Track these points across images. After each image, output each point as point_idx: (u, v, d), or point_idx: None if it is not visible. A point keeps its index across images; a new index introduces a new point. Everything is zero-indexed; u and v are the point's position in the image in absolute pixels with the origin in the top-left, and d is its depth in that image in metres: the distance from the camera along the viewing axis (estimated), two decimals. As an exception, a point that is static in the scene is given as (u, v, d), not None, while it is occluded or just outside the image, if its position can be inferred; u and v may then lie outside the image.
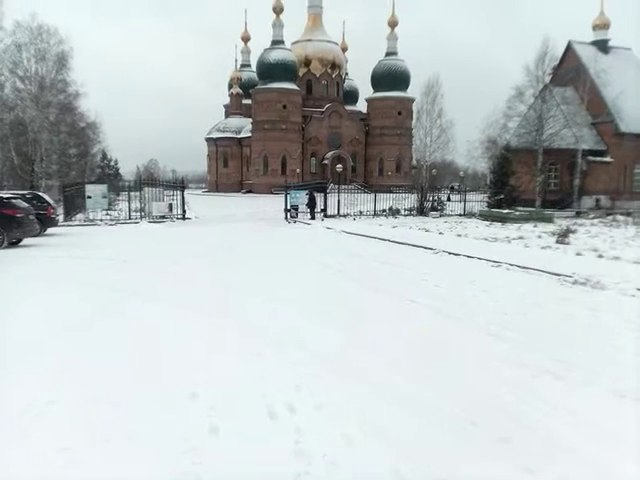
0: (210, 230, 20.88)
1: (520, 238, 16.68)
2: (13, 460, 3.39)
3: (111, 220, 24.31)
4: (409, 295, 8.19)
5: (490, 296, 8.26)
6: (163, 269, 11.08)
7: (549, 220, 24.20)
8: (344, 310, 7.43)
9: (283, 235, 19.48)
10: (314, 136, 69.93)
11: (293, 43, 73.04)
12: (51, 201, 19.51)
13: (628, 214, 27.41)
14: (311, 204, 26.27)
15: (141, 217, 25.15)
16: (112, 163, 60.20)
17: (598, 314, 7.12)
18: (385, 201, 29.54)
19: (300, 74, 70.69)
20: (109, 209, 25.99)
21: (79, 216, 24.93)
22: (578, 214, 30.58)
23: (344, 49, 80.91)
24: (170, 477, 3.20)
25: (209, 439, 3.62)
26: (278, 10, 69.32)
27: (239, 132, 76.12)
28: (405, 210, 29.79)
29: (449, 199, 34.07)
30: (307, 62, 72.47)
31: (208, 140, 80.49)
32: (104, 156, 56.81)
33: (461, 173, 62.36)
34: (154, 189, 26.17)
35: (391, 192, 31.96)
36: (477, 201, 31.69)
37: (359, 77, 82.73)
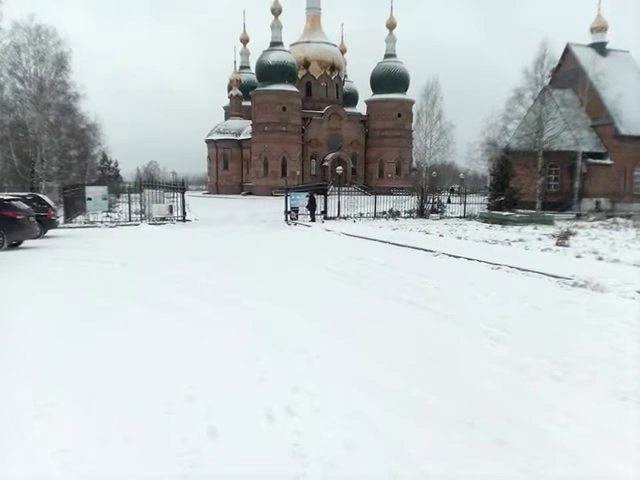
0: (210, 232, 20.87)
1: (520, 240, 16.69)
2: (10, 462, 3.40)
3: (111, 222, 24.29)
4: (408, 297, 8.19)
5: (490, 298, 8.26)
6: (163, 271, 11.07)
7: (549, 222, 24.20)
8: (343, 313, 7.43)
9: (283, 237, 19.48)
10: (314, 138, 69.94)
11: (292, 45, 73.01)
12: (51, 203, 19.50)
13: (628, 216, 27.38)
14: (311, 206, 26.26)
15: (141, 219, 25.14)
16: (112, 165, 60.12)
17: (598, 317, 7.12)
18: (385, 203, 29.56)
19: (299, 76, 70.69)
20: (109, 211, 25.97)
21: (79, 218, 24.91)
22: (578, 216, 30.56)
23: (343, 51, 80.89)
24: (168, 479, 3.21)
25: (207, 441, 3.62)
26: (276, 11, 69.28)
27: (239, 134, 76.11)
28: (405, 212, 29.78)
29: (449, 201, 34.06)
30: (306, 64, 72.45)
31: (208, 142, 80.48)
32: (104, 158, 56.81)
33: (461, 175, 62.42)
34: (154, 191, 26.13)
35: (391, 194, 31.98)
36: (477, 203, 31.68)
37: (358, 79, 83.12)
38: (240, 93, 78.48)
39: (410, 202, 30.69)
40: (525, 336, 6.16)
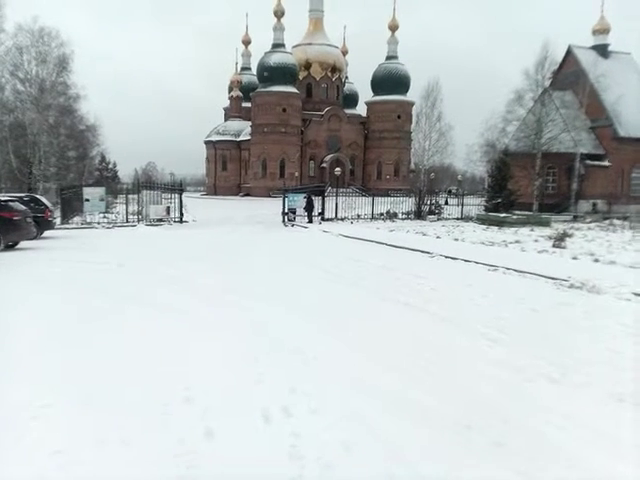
0: (207, 233, 20.87)
1: (517, 242, 16.72)
2: (8, 463, 3.39)
3: (108, 223, 24.24)
4: (405, 299, 8.20)
5: (487, 300, 8.27)
6: (160, 272, 11.06)
7: (546, 224, 24.26)
8: (340, 314, 7.44)
9: (280, 238, 19.49)
10: (313, 139, 69.95)
11: (294, 46, 73.09)
12: (48, 204, 19.45)
13: (625, 218, 27.44)
14: (309, 207, 26.26)
15: (138, 220, 25.10)
16: (110, 166, 60.12)
17: (594, 318, 7.14)
18: (383, 205, 29.58)
19: (300, 77, 70.76)
20: (107, 212, 25.93)
21: (76, 219, 24.82)
22: (575, 218, 30.62)
23: (344, 53, 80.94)
24: (164, 481, 3.21)
25: (204, 442, 3.62)
26: (279, 14, 69.43)
27: (238, 135, 76.07)
28: (403, 214, 29.81)
29: (447, 203, 34.11)
30: (307, 65, 72.52)
31: (207, 143, 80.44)
32: (103, 159, 56.77)
33: (459, 177, 62.43)
34: (152, 192, 26.10)
35: (389, 196, 32.02)
36: (475, 205, 31.74)
37: (359, 80, 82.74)
38: (240, 94, 78.49)
39: (408, 204, 30.73)
40: (522, 338, 6.17)
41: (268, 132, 65.62)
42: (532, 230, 21.82)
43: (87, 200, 24.58)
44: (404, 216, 29.64)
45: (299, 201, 26.87)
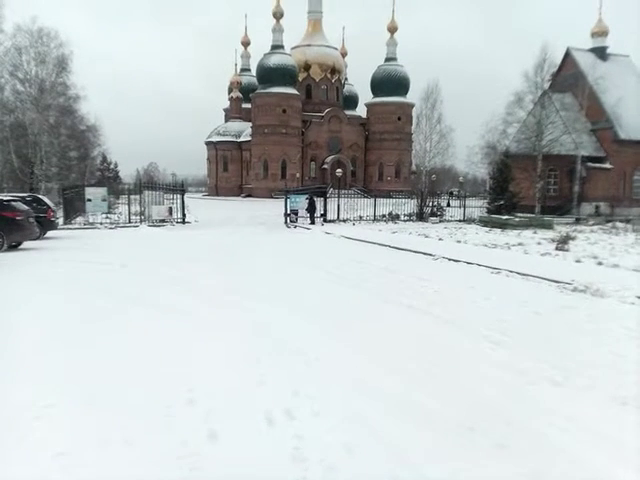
0: (210, 234, 20.88)
1: (520, 244, 16.70)
2: (11, 464, 3.39)
3: (111, 223, 24.28)
4: (408, 301, 8.19)
5: (489, 303, 8.26)
6: (163, 273, 11.08)
7: (549, 226, 24.23)
8: (343, 316, 7.43)
9: (282, 240, 19.49)
10: (314, 140, 70.00)
11: (293, 48, 73.13)
12: (51, 204, 19.48)
13: (627, 221, 27.42)
14: (311, 209, 26.27)
15: (141, 221, 25.12)
16: (112, 166, 60.14)
17: (597, 322, 7.12)
18: (385, 206, 29.57)
19: (300, 79, 70.81)
20: (109, 212, 25.94)
21: (79, 219, 24.89)
22: (577, 221, 30.59)
23: (344, 54, 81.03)
24: (168, 482, 3.21)
25: (207, 445, 3.61)
26: (278, 15, 69.49)
27: (239, 136, 76.15)
28: (405, 215, 29.80)
29: (449, 205, 34.11)
30: (307, 67, 72.57)
31: (208, 144, 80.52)
32: (104, 159, 56.81)
33: (461, 179, 62.39)
34: (154, 192, 26.12)
35: (391, 197, 31.97)
36: (477, 207, 31.71)
37: (359, 82, 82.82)
38: (240, 95, 78.58)
39: (409, 205, 30.71)
40: (525, 340, 6.17)
41: (269, 133, 65.67)
42: (535, 232, 21.79)
43: (89, 200, 24.62)
44: (406, 218, 29.63)
45: (301, 202, 26.87)
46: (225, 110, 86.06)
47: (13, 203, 15.22)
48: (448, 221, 29.71)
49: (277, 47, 68.08)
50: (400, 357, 5.56)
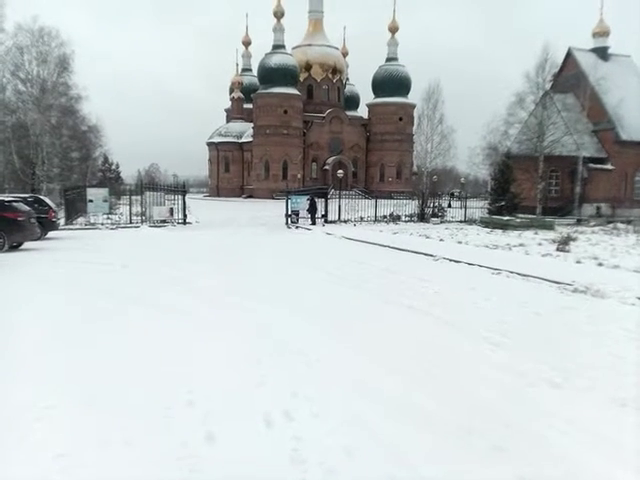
0: (211, 235, 20.90)
1: (521, 245, 16.69)
2: (11, 465, 3.40)
3: (112, 224, 24.31)
4: (409, 302, 8.19)
5: (490, 304, 8.26)
6: (164, 274, 11.09)
7: (550, 227, 24.20)
8: (343, 317, 7.44)
9: (284, 240, 19.51)
10: (315, 141, 70.06)
11: (294, 48, 73.13)
12: (52, 204, 19.52)
13: (629, 222, 27.37)
14: (312, 209, 26.27)
15: (142, 221, 25.14)
16: (113, 167, 60.19)
17: (598, 323, 7.12)
18: (386, 207, 29.56)
19: (301, 79, 70.82)
20: (110, 213, 25.98)
21: (80, 220, 24.92)
22: (579, 222, 30.54)
23: (345, 54, 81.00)
24: (167, 483, 3.21)
25: (206, 446, 3.62)
26: (279, 15, 69.52)
27: (240, 137, 76.22)
28: (406, 216, 29.79)
29: (450, 205, 34.08)
30: (308, 67, 72.58)
31: (209, 144, 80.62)
32: (105, 160, 56.84)
33: (462, 179, 62.34)
34: (155, 193, 26.16)
35: (392, 198, 31.95)
36: (478, 208, 31.68)
37: (360, 82, 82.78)
38: (242, 96, 78.66)
39: (411, 206, 30.71)
40: (525, 342, 6.17)
41: (270, 134, 65.72)
42: (536, 233, 21.78)
43: (91, 201, 24.67)
44: (407, 219, 29.62)
45: (302, 203, 26.88)
46: (226, 110, 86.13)
47: (14, 204, 15.26)
48: (449, 222, 29.69)
49: (278, 47, 68.12)
50: (400, 358, 5.56)
